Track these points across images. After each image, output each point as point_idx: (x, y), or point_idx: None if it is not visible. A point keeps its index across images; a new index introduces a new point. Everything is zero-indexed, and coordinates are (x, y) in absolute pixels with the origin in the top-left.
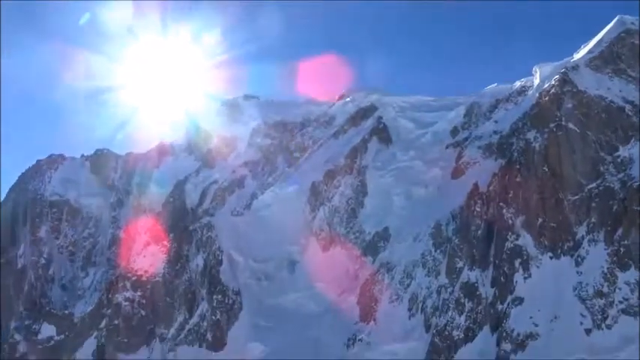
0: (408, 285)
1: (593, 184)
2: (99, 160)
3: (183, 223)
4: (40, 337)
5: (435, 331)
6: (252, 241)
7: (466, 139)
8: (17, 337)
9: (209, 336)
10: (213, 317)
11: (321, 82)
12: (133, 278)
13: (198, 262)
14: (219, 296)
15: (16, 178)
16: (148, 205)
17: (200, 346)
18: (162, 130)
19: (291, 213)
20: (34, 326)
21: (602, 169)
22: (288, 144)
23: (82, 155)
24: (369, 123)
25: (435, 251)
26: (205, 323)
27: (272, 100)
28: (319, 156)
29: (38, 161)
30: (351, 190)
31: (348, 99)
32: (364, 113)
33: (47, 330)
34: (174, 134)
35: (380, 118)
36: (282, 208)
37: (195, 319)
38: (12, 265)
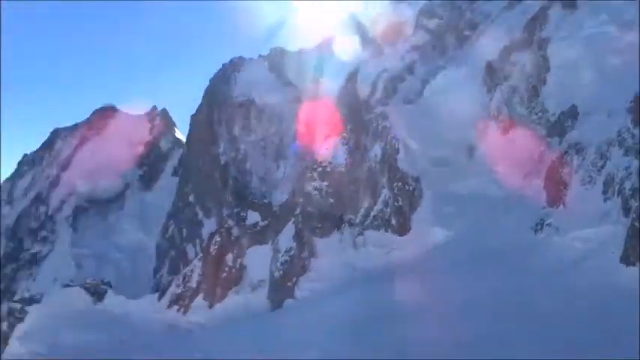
0: (602, 166)
1: None
2: (275, 58)
3: (358, 114)
4: (247, 222)
5: (635, 214)
6: (426, 127)
7: None
8: (230, 222)
9: (393, 221)
10: (396, 204)
11: None
12: (319, 169)
13: (376, 151)
14: (399, 184)
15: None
16: (324, 99)
17: (386, 230)
18: (326, 24)
19: (465, 96)
20: (242, 213)
21: None
22: (457, 22)
23: (260, 55)
24: None
25: (634, 127)
26: (389, 209)
27: None
28: (493, 32)
29: (223, 65)
30: (532, 65)
31: None
32: None
33: (253, 217)
34: (339, 27)
35: None
36: (456, 91)
37: (379, 206)
38: (216, 161)
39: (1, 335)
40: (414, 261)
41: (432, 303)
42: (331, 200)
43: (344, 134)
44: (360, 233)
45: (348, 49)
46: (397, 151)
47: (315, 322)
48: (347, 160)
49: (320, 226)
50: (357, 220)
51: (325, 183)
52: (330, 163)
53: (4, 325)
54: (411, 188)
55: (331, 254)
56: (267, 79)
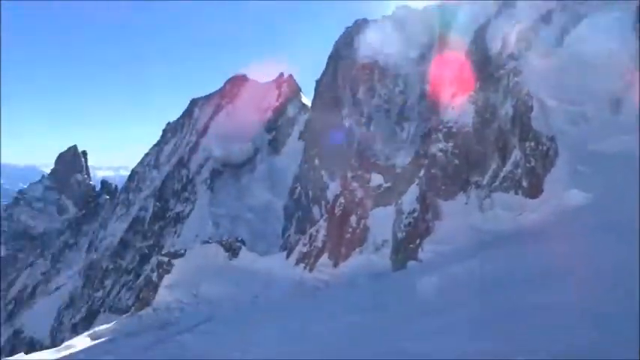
0: None
1: None
2: (399, 18)
3: (488, 70)
4: (371, 184)
5: None
6: (565, 82)
7: None
8: (354, 184)
9: (524, 183)
10: (527, 165)
11: None
12: (444, 130)
13: (507, 109)
14: (532, 143)
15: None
16: (451, 56)
17: (516, 193)
18: None
19: (612, 45)
20: (365, 175)
21: None
22: None
23: (383, 16)
24: None
25: None
26: (519, 170)
27: None
28: None
29: (347, 28)
30: None
31: None
32: None
33: (376, 179)
34: None
35: None
36: (602, 40)
37: (508, 167)
38: (340, 125)
39: (152, 284)
40: (547, 224)
41: (567, 268)
42: (457, 161)
43: (471, 93)
44: (488, 196)
45: (476, 1)
46: (531, 108)
47: (439, 285)
48: (474, 119)
49: (444, 188)
50: (485, 182)
51: (451, 144)
52: (456, 123)
53: (154, 276)
54: (544, 148)
55: (456, 217)
56: (391, 39)
